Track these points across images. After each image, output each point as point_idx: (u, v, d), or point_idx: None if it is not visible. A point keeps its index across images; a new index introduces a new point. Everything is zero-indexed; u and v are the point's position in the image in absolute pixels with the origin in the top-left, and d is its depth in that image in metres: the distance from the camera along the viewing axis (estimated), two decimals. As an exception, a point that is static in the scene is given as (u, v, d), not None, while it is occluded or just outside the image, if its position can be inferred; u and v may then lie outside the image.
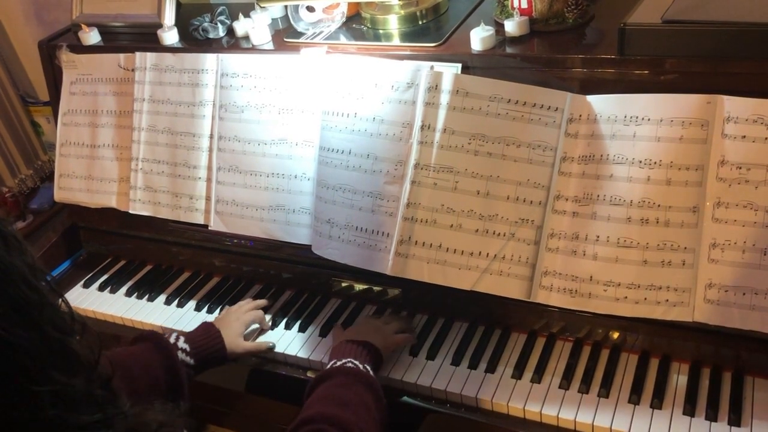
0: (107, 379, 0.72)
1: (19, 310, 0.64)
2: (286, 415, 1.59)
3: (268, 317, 1.51)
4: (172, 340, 1.31)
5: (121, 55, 1.64)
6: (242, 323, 1.43)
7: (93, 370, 0.70)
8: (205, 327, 1.39)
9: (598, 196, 1.18)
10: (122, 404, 0.72)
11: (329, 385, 1.17)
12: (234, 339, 1.39)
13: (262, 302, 1.52)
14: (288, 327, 1.48)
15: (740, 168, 1.09)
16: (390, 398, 1.31)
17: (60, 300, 0.70)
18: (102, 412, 0.68)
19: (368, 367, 1.21)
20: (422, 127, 1.28)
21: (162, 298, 1.63)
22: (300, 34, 1.54)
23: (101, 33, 1.74)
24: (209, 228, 1.56)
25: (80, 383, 0.67)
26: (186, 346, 1.31)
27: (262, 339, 1.46)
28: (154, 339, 1.29)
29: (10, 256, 0.65)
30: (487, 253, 1.25)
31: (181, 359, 1.29)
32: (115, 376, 0.73)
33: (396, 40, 1.46)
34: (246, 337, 1.43)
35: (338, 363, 1.21)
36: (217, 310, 1.56)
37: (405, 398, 1.31)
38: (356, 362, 1.21)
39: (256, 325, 1.47)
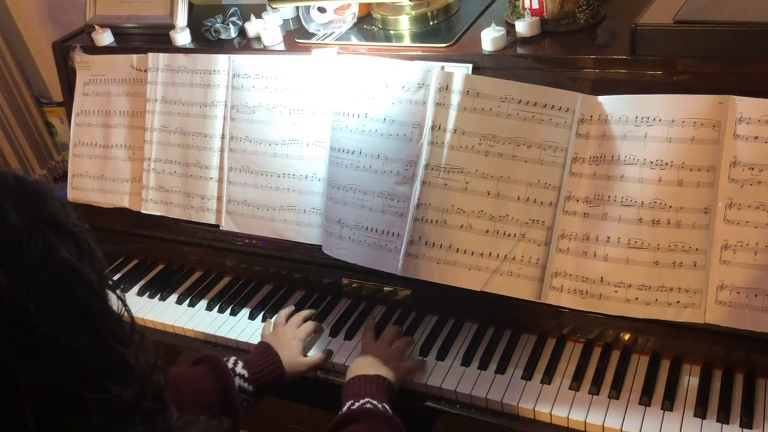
0: (159, 391, 0.72)
1: (81, 317, 0.64)
2: (294, 414, 1.60)
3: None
4: (230, 364, 1.26)
5: (134, 56, 1.66)
6: (299, 341, 1.37)
7: (146, 382, 0.69)
8: (263, 350, 1.33)
9: (609, 197, 1.18)
10: (170, 416, 0.72)
11: (359, 428, 1.12)
12: (293, 359, 1.33)
13: (310, 313, 1.47)
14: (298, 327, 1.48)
15: (752, 169, 1.09)
16: (401, 400, 1.31)
17: (123, 310, 0.70)
18: (147, 424, 0.68)
19: (386, 406, 1.17)
20: (433, 128, 1.28)
21: (173, 297, 1.64)
22: (311, 35, 1.55)
23: (114, 34, 1.75)
24: (220, 228, 1.57)
25: (132, 393, 0.67)
26: (244, 372, 1.26)
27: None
28: (212, 362, 1.24)
29: (81, 263, 0.65)
30: (498, 254, 1.25)
31: (239, 385, 1.24)
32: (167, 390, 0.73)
33: (407, 41, 1.46)
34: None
35: (356, 404, 1.16)
36: (228, 310, 1.56)
37: (422, 401, 1.31)
38: (374, 402, 1.16)
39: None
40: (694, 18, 1.13)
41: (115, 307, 0.70)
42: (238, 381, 1.25)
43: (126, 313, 0.70)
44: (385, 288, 1.47)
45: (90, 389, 0.63)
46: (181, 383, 1.17)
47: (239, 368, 1.26)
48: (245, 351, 1.45)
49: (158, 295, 1.65)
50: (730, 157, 1.10)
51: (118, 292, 0.70)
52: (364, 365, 1.27)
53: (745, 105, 1.09)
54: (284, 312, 1.46)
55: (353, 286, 1.51)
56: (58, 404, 0.61)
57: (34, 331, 0.60)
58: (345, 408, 1.17)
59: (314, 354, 1.38)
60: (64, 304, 0.62)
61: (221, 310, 1.57)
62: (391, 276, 1.34)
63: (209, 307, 1.59)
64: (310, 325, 1.42)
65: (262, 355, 1.31)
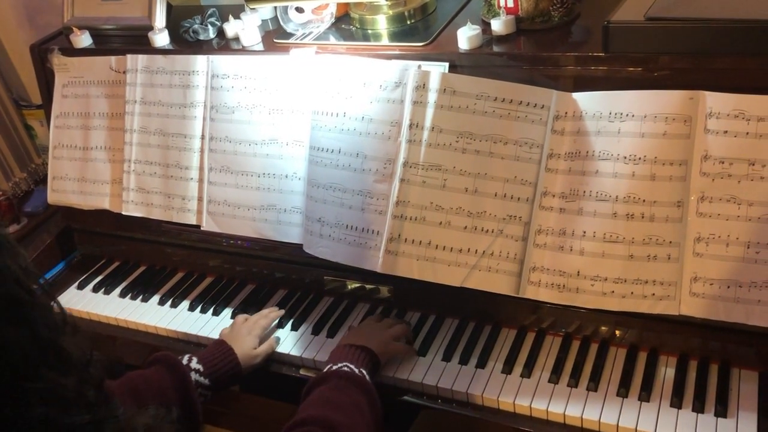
0: (100, 381, 0.73)
1: (9, 309, 0.65)
2: (280, 413, 1.60)
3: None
4: (184, 361, 1.29)
5: (113, 58, 1.65)
6: (254, 336, 1.41)
7: (85, 371, 0.71)
8: (217, 345, 1.37)
9: (585, 192, 1.20)
10: (114, 407, 0.74)
11: (324, 388, 1.17)
12: (248, 352, 1.38)
13: (270, 311, 1.50)
14: (281, 326, 1.49)
15: (723, 162, 1.11)
16: (383, 395, 1.32)
17: (52, 302, 0.71)
18: (92, 414, 0.69)
19: (364, 371, 1.21)
20: (410, 126, 1.29)
21: (156, 298, 1.64)
22: (289, 35, 1.55)
23: (92, 36, 1.75)
24: (201, 228, 1.57)
25: (72, 383, 0.68)
26: (199, 367, 1.29)
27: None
28: (167, 361, 1.27)
29: (2, 258, 0.66)
30: (476, 250, 1.26)
31: (196, 380, 1.27)
32: (125, 397, 0.74)
33: (384, 40, 1.47)
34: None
35: (334, 367, 1.21)
36: (210, 310, 1.57)
37: (404, 396, 1.32)
38: (351, 366, 1.21)
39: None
40: (665, 15, 1.15)
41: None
42: (194, 376, 1.28)
43: (56, 306, 0.71)
44: (366, 286, 1.48)
45: (29, 379, 0.65)
46: (140, 385, 1.20)
47: (194, 363, 1.30)
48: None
49: (141, 297, 1.65)
50: (701, 151, 1.12)
51: (44, 286, 0.71)
52: (353, 336, 1.31)
53: (714, 100, 1.11)
54: (243, 315, 1.50)
55: (335, 284, 1.52)
56: (0, 397, 0.63)
57: None
58: (324, 371, 1.22)
59: (264, 343, 1.42)
60: None
61: (204, 311, 1.58)
62: (373, 273, 1.35)
63: (192, 308, 1.59)
64: (264, 320, 1.46)
65: (217, 349, 1.35)
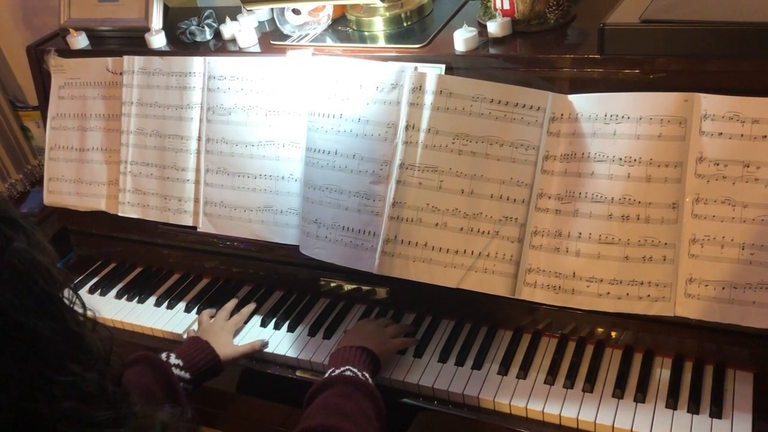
0: (118, 376, 0.75)
1: (42, 302, 0.67)
2: (276, 414, 1.60)
3: (257, 318, 1.52)
4: (163, 357, 1.30)
5: (109, 59, 1.65)
6: (228, 332, 1.45)
7: (106, 365, 0.73)
8: (192, 340, 1.39)
9: (580, 193, 1.20)
10: (133, 402, 0.75)
11: (329, 394, 1.16)
12: (225, 347, 1.40)
13: (232, 305, 1.54)
14: (277, 327, 1.49)
15: (718, 164, 1.11)
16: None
17: (75, 296, 0.73)
18: (114, 410, 0.71)
19: (366, 375, 1.21)
20: (407, 128, 1.30)
21: (152, 300, 1.64)
22: (286, 37, 1.55)
23: (89, 37, 1.75)
24: (198, 230, 1.57)
25: (94, 377, 0.69)
26: (179, 362, 1.31)
27: (249, 337, 1.47)
28: (147, 359, 1.28)
29: (35, 254, 0.68)
30: (472, 251, 1.27)
31: (177, 375, 1.28)
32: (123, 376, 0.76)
33: (381, 42, 1.48)
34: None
35: (336, 371, 1.21)
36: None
37: (400, 398, 1.32)
38: (354, 369, 1.21)
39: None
40: (660, 17, 1.15)
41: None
42: (175, 371, 1.29)
43: (78, 300, 0.73)
44: (363, 287, 1.48)
45: (57, 373, 0.66)
46: (127, 386, 1.19)
47: (173, 359, 1.31)
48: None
49: (137, 298, 1.65)
50: (696, 153, 1.12)
51: (67, 281, 0.72)
52: (352, 338, 1.32)
53: (709, 102, 1.11)
54: (206, 312, 1.53)
55: (332, 285, 1.52)
56: (29, 391, 0.64)
57: (2, 317, 0.63)
58: (326, 375, 1.21)
59: (247, 343, 1.44)
60: (25, 290, 0.65)
61: (200, 312, 1.57)
62: (369, 275, 1.35)
63: (188, 309, 1.59)
64: (238, 317, 1.49)
65: (194, 344, 1.37)
